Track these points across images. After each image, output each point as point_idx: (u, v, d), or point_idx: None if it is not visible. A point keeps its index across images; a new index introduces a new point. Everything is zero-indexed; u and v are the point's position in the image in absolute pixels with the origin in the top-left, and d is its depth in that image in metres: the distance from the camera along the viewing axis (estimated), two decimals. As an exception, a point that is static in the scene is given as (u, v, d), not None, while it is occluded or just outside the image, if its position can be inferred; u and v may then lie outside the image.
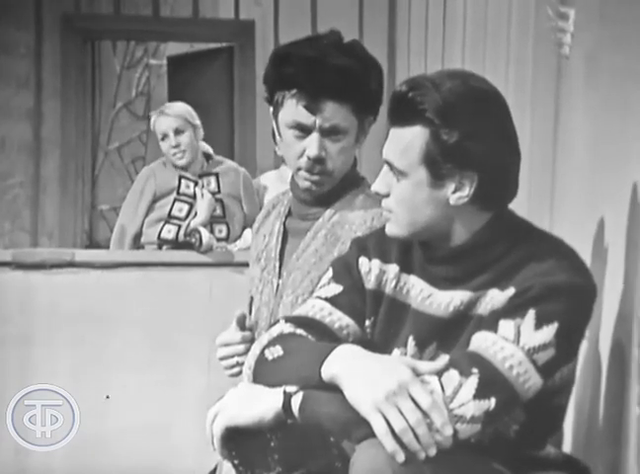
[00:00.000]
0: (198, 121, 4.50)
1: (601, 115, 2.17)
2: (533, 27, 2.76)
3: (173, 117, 4.46)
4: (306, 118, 2.11)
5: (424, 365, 1.70)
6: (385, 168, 1.82)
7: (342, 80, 2.08)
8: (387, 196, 1.82)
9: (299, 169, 2.16)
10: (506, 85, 3.01)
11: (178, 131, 4.45)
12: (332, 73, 2.08)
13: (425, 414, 1.65)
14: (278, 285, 2.20)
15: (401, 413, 1.64)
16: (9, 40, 6.00)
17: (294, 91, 2.11)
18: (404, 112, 1.78)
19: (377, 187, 1.83)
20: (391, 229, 1.84)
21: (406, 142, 1.78)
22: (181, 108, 4.51)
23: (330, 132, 2.12)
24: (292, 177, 2.22)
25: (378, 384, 1.66)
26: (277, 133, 2.21)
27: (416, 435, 1.63)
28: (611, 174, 2.09)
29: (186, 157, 4.46)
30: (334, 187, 2.19)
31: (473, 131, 1.75)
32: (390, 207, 1.82)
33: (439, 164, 1.76)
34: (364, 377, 1.67)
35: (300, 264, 2.17)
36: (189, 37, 6.43)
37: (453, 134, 1.75)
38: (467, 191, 1.77)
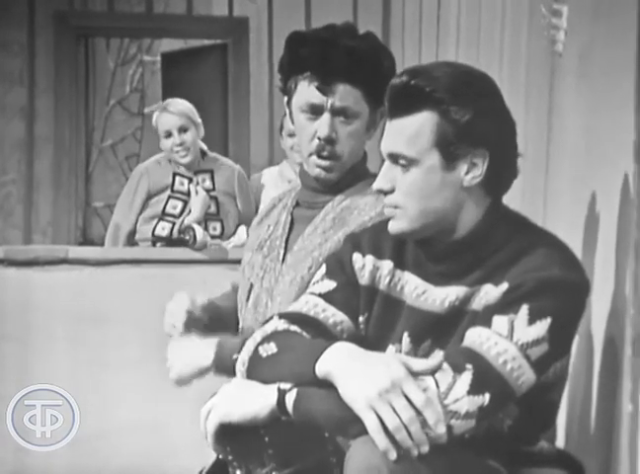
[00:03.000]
0: (199, 120, 4.49)
1: (594, 111, 2.18)
2: (527, 24, 2.76)
3: (177, 115, 4.44)
4: (319, 98, 2.15)
5: (418, 363, 1.70)
6: (386, 164, 1.81)
7: (353, 61, 2.13)
8: (391, 192, 1.81)
9: (311, 154, 2.19)
10: (500, 82, 3.00)
11: (182, 129, 4.43)
12: (344, 54, 2.13)
13: (418, 411, 1.65)
14: (281, 271, 2.21)
15: (394, 410, 1.64)
16: (2, 38, 5.99)
17: (308, 73, 2.15)
18: (408, 100, 1.77)
19: (380, 184, 1.81)
20: (398, 225, 1.82)
21: (414, 129, 1.77)
22: (184, 105, 4.49)
23: (341, 113, 2.16)
24: (302, 166, 2.25)
25: (372, 382, 1.66)
26: (290, 122, 2.25)
27: (409, 433, 1.64)
28: (604, 169, 2.10)
29: (189, 155, 4.46)
30: (343, 176, 2.21)
31: (483, 108, 1.77)
32: (397, 202, 1.80)
33: (452, 144, 1.76)
34: (358, 375, 1.67)
35: (306, 244, 2.19)
36: (182, 33, 6.42)
37: (466, 112, 1.76)
38: (480, 169, 1.78)
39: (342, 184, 2.21)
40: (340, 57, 2.13)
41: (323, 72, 2.13)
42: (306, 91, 2.16)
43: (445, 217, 1.79)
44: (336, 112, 2.15)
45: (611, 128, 2.05)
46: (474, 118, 1.76)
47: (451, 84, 1.77)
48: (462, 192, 1.79)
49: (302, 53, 2.16)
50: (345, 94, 2.14)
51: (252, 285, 2.25)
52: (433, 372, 1.68)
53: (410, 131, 1.78)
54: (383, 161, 1.83)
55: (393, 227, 1.83)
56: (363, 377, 1.67)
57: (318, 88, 2.14)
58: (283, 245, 2.23)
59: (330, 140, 2.16)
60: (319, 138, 2.16)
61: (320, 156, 2.18)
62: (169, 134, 4.44)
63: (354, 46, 2.13)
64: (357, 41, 2.15)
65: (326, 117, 2.15)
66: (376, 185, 1.83)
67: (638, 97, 1.84)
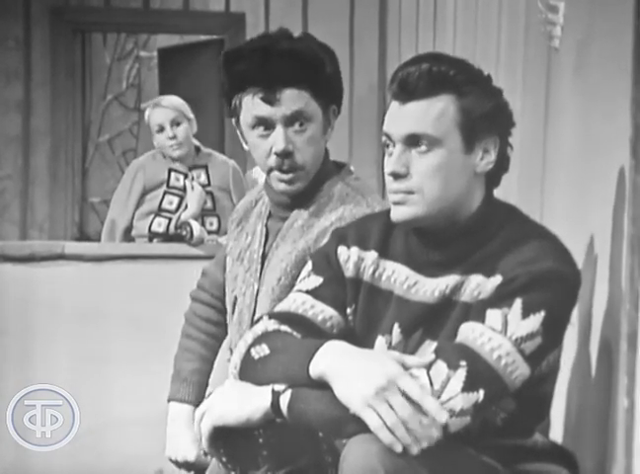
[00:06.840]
0: (192, 115, 4.49)
1: (591, 105, 2.18)
2: (524, 19, 2.76)
3: (170, 108, 4.45)
4: (266, 110, 2.06)
5: (412, 359, 1.70)
6: (400, 147, 1.78)
7: (294, 63, 2.04)
8: (405, 176, 1.78)
9: (271, 170, 2.10)
10: (496, 78, 3.00)
11: (174, 123, 4.43)
12: (282, 57, 2.04)
13: (417, 405, 1.64)
14: (258, 288, 2.16)
15: (392, 407, 1.64)
16: (-2, 33, 5.98)
17: (250, 87, 2.06)
18: (428, 84, 1.77)
19: (395, 167, 1.77)
20: (410, 211, 1.78)
21: (438, 110, 1.77)
22: (176, 100, 4.51)
23: (294, 120, 2.06)
24: (266, 180, 2.15)
25: (367, 380, 1.65)
26: (242, 141, 2.15)
27: (408, 429, 1.63)
28: (600, 163, 2.10)
29: (182, 149, 4.46)
30: (308, 184, 2.11)
31: (498, 95, 1.81)
32: (412, 187, 1.77)
33: (473, 128, 1.77)
34: (353, 374, 1.67)
35: (278, 254, 2.13)
36: (179, 29, 6.41)
37: (489, 97, 1.79)
38: (493, 155, 1.79)
39: (309, 193, 2.12)
40: (278, 62, 2.03)
41: (265, 81, 2.03)
42: (252, 105, 2.06)
43: (456, 203, 1.79)
44: (288, 121, 2.05)
45: (608, 123, 2.05)
46: (495, 103, 1.79)
47: (471, 70, 1.80)
48: (473, 178, 1.79)
49: (240, 68, 2.05)
50: (293, 98, 2.04)
51: (236, 298, 2.20)
52: (427, 368, 1.68)
53: (434, 112, 1.76)
54: (386, 146, 1.80)
55: (404, 213, 1.78)
56: (358, 376, 1.66)
57: (263, 98, 2.05)
58: (260, 260, 2.16)
59: (287, 153, 2.06)
60: (276, 154, 2.06)
61: (281, 170, 2.08)
62: (161, 128, 4.44)
63: (290, 48, 2.04)
64: (292, 43, 2.06)
65: (279, 130, 2.05)
66: (391, 168, 1.78)
67: (634, 91, 1.84)
